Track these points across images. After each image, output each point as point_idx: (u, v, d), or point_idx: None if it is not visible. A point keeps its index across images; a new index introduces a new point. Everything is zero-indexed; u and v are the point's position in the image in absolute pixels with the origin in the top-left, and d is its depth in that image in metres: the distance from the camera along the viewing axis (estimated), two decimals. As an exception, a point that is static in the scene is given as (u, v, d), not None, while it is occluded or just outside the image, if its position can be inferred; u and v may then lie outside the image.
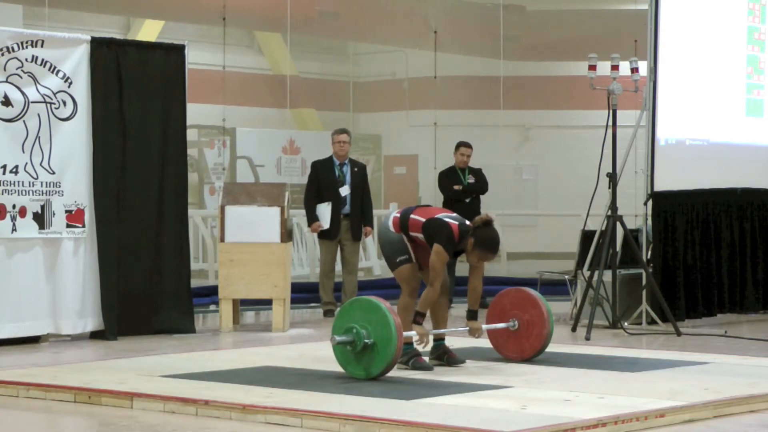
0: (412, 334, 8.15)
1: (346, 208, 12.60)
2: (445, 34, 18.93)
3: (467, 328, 8.52)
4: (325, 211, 12.41)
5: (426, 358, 8.36)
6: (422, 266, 8.40)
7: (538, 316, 8.69)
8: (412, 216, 8.35)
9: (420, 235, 8.31)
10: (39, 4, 16.25)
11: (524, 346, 8.73)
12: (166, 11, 18.60)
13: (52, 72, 10.38)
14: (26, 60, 10.23)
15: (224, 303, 11.31)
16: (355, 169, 12.71)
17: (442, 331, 8.54)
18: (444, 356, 8.48)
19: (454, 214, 8.45)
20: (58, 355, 9.75)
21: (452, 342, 8.80)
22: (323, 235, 12.64)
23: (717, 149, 12.40)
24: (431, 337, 8.34)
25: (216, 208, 13.34)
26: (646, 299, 11.53)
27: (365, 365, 7.81)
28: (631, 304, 11.64)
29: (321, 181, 12.61)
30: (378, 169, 21.58)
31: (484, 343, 8.86)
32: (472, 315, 8.48)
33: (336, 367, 8.19)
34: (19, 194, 10.19)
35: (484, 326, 8.67)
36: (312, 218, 12.55)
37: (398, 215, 8.45)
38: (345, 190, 12.57)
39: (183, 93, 11.13)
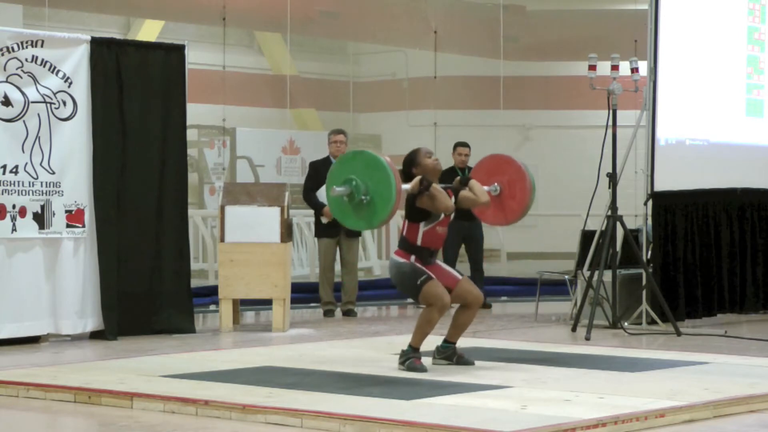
0: (406, 187, 7.98)
1: (345, 206, 12.56)
2: (445, 34, 18.94)
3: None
4: None
5: (423, 360, 8.30)
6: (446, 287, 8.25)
7: (516, 173, 8.71)
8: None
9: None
10: (39, 4, 16.28)
11: (510, 207, 8.74)
12: (166, 11, 18.62)
13: (52, 72, 10.38)
14: (26, 60, 10.23)
15: (224, 303, 11.31)
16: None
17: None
18: (453, 357, 8.45)
19: None
20: (58, 355, 9.74)
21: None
22: (322, 233, 12.64)
23: (717, 149, 12.40)
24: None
25: (216, 208, 13.35)
26: (646, 299, 11.52)
27: (366, 217, 7.73)
28: (631, 304, 11.63)
29: (319, 180, 12.60)
30: (378, 169, 21.52)
31: (486, 343, 8.85)
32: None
33: (336, 367, 8.20)
34: (19, 194, 10.18)
35: (466, 192, 8.51)
36: (320, 205, 12.45)
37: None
38: (344, 187, 12.54)
39: (183, 93, 11.12)
